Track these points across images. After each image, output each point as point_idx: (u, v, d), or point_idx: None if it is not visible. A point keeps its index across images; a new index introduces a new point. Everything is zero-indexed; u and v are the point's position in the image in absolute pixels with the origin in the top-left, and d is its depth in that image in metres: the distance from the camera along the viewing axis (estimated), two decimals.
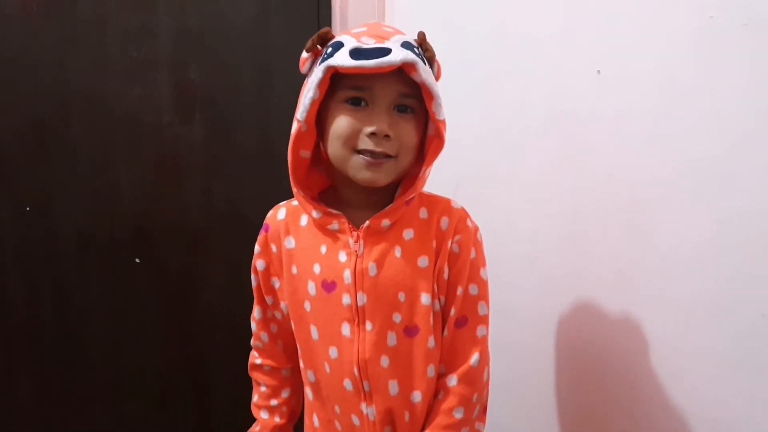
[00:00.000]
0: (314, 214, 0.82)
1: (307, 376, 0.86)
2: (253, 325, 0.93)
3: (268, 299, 0.90)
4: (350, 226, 0.81)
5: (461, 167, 1.25)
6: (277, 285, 0.88)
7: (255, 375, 0.95)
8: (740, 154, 0.70)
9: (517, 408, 1.14)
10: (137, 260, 1.57)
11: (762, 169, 0.67)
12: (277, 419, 0.93)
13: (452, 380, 0.82)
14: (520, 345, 1.13)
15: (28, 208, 1.51)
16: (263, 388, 0.94)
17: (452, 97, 1.26)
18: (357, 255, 0.80)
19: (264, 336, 0.93)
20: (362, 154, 0.77)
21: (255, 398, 0.95)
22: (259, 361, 0.94)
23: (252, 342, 0.95)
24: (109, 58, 1.50)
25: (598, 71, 0.90)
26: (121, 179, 1.54)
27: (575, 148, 0.96)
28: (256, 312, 0.92)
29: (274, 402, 0.94)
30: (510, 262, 1.13)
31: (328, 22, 1.56)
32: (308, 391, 0.88)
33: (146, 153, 1.54)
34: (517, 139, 1.10)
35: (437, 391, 0.83)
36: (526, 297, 1.10)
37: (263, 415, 0.94)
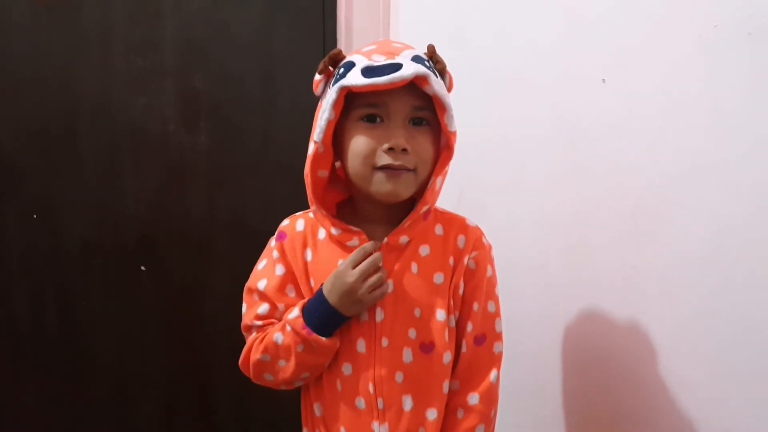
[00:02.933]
0: (333, 231, 0.82)
1: (318, 393, 0.85)
2: (256, 322, 0.84)
3: (281, 306, 0.84)
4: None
5: (466, 175, 1.26)
6: (291, 294, 0.85)
7: (267, 332, 0.83)
8: (745, 161, 0.70)
9: (523, 416, 1.13)
10: (142, 268, 1.57)
11: (766, 176, 0.67)
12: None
13: (473, 398, 0.82)
14: (525, 353, 1.12)
15: (34, 216, 1.52)
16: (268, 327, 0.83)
17: (457, 105, 1.26)
18: None
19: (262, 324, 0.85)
20: (382, 170, 0.77)
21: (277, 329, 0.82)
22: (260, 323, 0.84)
23: (248, 340, 0.85)
24: (114, 67, 1.51)
25: (603, 79, 0.90)
26: (126, 187, 1.55)
27: (580, 156, 0.96)
28: (260, 309, 0.84)
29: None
30: (515, 269, 1.13)
31: (333, 32, 1.57)
32: (317, 407, 0.85)
33: (151, 161, 1.55)
34: (522, 147, 1.10)
35: (455, 407, 0.83)
36: (531, 305, 1.10)
37: (277, 334, 0.80)
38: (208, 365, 1.61)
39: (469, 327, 0.83)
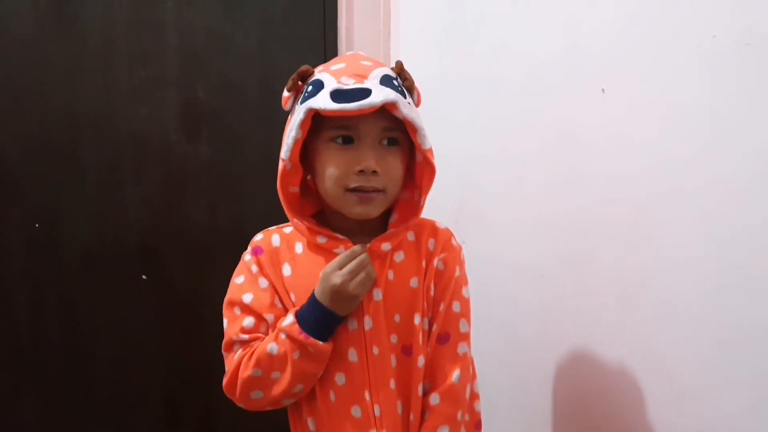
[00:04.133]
0: (320, 239, 0.83)
1: (310, 406, 0.84)
2: (241, 336, 0.81)
3: (270, 317, 0.82)
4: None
5: (465, 186, 1.26)
6: (279, 305, 0.84)
7: (256, 348, 0.81)
8: (744, 171, 0.70)
9: (520, 425, 1.13)
10: (144, 277, 1.57)
11: (766, 185, 0.68)
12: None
13: (435, 399, 0.82)
14: (524, 363, 1.12)
15: (36, 224, 1.52)
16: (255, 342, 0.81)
17: (456, 117, 1.28)
18: None
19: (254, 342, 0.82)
20: (354, 192, 0.79)
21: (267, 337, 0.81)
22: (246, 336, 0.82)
23: (232, 358, 0.82)
24: (117, 77, 1.52)
25: (603, 90, 0.91)
26: (127, 196, 1.55)
27: (579, 166, 0.96)
28: (245, 322, 0.81)
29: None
30: (514, 280, 1.13)
31: (334, 43, 1.58)
32: (310, 422, 0.83)
33: (153, 171, 1.55)
34: (522, 157, 1.10)
35: (423, 409, 0.83)
36: (530, 315, 1.10)
37: (270, 344, 0.79)
38: (208, 374, 1.60)
39: (434, 327, 0.83)
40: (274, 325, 0.82)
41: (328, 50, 1.58)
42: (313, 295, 0.79)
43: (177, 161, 1.56)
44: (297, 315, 0.79)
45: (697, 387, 0.77)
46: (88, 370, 1.58)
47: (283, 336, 0.78)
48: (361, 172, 0.77)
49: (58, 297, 1.55)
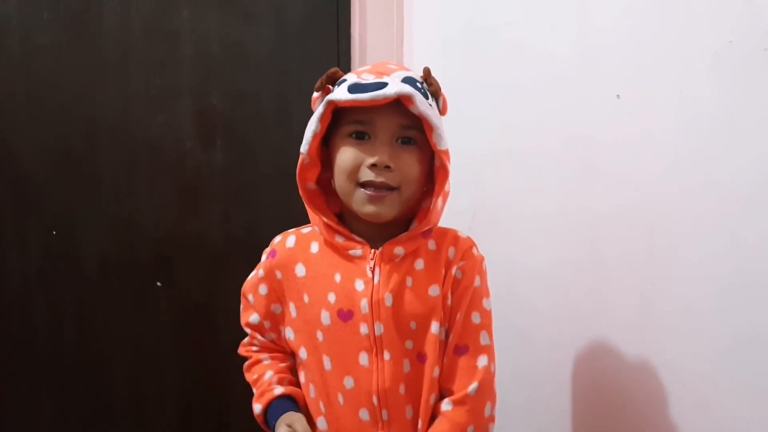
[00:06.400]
0: (338, 238, 0.83)
1: (319, 406, 0.85)
2: (246, 329, 0.93)
3: (266, 323, 0.90)
4: (372, 251, 0.82)
5: (479, 194, 1.26)
6: (278, 311, 0.89)
7: (254, 369, 0.92)
8: (762, 177, 0.69)
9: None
10: (158, 284, 1.58)
11: None
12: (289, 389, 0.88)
13: (446, 405, 0.81)
14: (539, 372, 1.11)
15: (54, 232, 1.54)
16: (268, 374, 0.89)
17: (470, 123, 1.27)
18: (373, 284, 0.81)
19: (261, 338, 0.93)
20: (364, 187, 0.78)
21: (258, 388, 0.90)
22: (260, 356, 0.92)
23: (244, 347, 0.95)
24: (133, 86, 1.54)
25: (618, 96, 0.90)
26: (143, 205, 1.56)
27: (595, 172, 0.96)
28: (252, 317, 0.91)
29: (281, 376, 0.90)
30: (529, 288, 1.12)
31: (348, 52, 1.59)
32: (320, 421, 0.85)
33: (168, 179, 1.57)
34: (536, 163, 1.10)
35: (434, 416, 0.82)
36: (545, 324, 1.09)
37: (277, 391, 0.87)
38: (222, 381, 1.61)
39: (451, 336, 0.82)
40: (273, 328, 0.90)
41: (341, 58, 1.59)
42: (286, 409, 0.84)
43: (191, 169, 1.57)
44: (267, 408, 0.86)
45: (714, 394, 0.76)
46: (103, 378, 1.59)
47: (256, 409, 0.87)
48: (374, 165, 0.77)
49: (74, 303, 1.57)
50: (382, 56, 1.53)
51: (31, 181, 1.53)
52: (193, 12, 1.54)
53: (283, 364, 0.91)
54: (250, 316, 0.91)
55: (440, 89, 0.82)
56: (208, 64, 1.56)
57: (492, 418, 0.82)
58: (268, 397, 0.86)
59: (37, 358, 1.57)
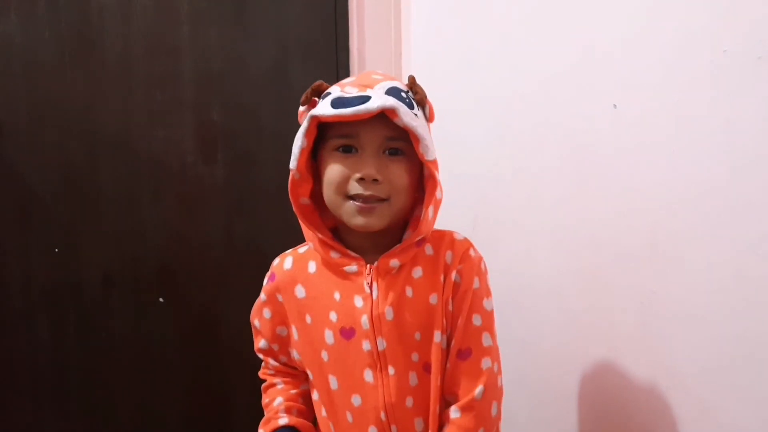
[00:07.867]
0: (333, 254, 0.82)
1: (329, 426, 0.85)
2: (259, 354, 0.94)
3: (274, 347, 0.90)
4: (368, 267, 0.81)
5: (479, 203, 1.26)
6: (284, 333, 0.89)
7: (268, 392, 0.93)
8: (759, 184, 0.69)
9: None
10: (161, 299, 1.58)
11: None
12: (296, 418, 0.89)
13: (454, 412, 0.79)
14: (541, 379, 1.11)
15: (56, 249, 1.55)
16: (278, 401, 0.90)
17: (469, 133, 1.28)
18: (372, 299, 0.80)
19: (273, 362, 0.92)
20: (354, 199, 0.78)
21: (267, 413, 0.90)
22: (274, 380, 0.93)
23: (262, 370, 0.95)
24: (134, 101, 1.55)
25: (615, 105, 0.91)
26: (145, 219, 1.57)
27: (593, 182, 0.96)
28: (261, 343, 0.92)
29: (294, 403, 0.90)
30: (530, 296, 1.12)
31: (346, 64, 1.60)
32: None
33: (170, 193, 1.58)
34: (535, 174, 1.10)
35: (442, 425, 0.81)
36: (547, 331, 1.09)
37: (281, 421, 0.87)
38: (226, 395, 1.61)
39: (454, 341, 0.81)
40: (282, 350, 0.90)
41: (340, 71, 1.60)
42: None
43: (193, 183, 1.58)
44: None
45: (719, 402, 0.76)
46: (106, 392, 1.59)
47: None
48: (362, 179, 0.76)
49: (77, 319, 1.57)
50: (381, 69, 1.54)
51: (34, 197, 1.54)
52: (193, 27, 1.56)
53: (294, 390, 0.91)
54: (259, 342, 0.92)
55: (426, 97, 0.81)
56: (209, 78, 1.57)
57: (499, 416, 0.82)
58: (272, 425, 0.86)
59: (40, 374, 1.57)
